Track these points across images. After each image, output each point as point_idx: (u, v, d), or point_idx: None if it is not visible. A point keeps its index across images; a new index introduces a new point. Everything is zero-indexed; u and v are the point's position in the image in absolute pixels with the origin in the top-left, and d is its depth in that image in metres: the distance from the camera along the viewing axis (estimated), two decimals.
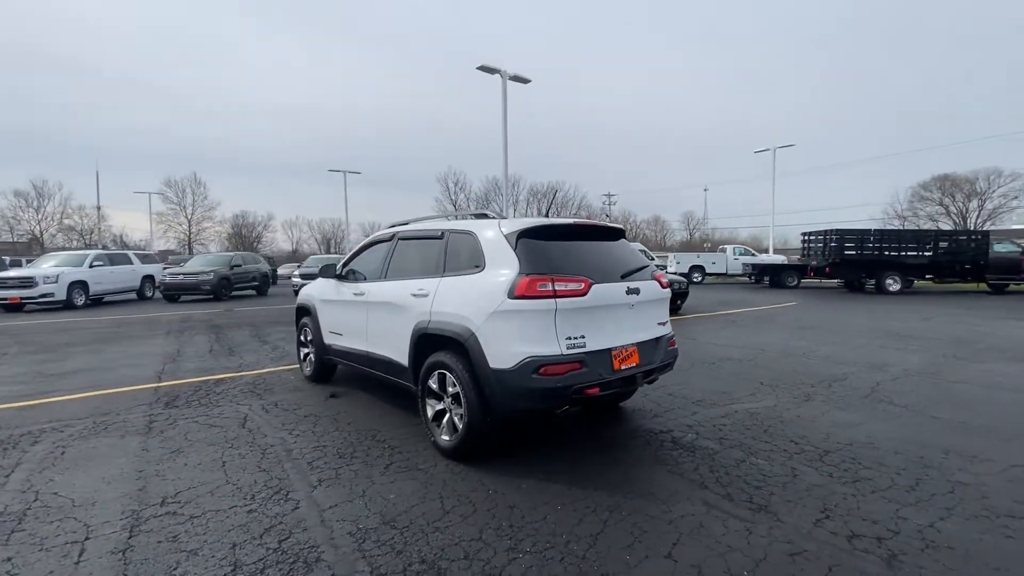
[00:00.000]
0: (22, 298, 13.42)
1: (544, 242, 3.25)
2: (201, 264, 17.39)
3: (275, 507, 2.72)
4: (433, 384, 3.46)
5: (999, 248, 16.87)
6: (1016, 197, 50.67)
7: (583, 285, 3.05)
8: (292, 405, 4.62)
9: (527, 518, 2.59)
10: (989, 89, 78.40)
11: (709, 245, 48.52)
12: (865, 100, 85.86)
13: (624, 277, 3.40)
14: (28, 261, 20.76)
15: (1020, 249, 16.77)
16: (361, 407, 4.55)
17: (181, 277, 16.19)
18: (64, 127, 66.75)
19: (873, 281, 17.63)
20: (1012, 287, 17.50)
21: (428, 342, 3.53)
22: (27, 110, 66.43)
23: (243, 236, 68.03)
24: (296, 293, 18.65)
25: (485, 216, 3.72)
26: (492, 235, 3.32)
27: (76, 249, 31.85)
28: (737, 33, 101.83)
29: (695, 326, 9.77)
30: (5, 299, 13.31)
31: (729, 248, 25.48)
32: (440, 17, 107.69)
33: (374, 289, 4.23)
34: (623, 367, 3.24)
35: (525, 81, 16.87)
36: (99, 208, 47.11)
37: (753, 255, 25.15)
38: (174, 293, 16.30)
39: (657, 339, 3.59)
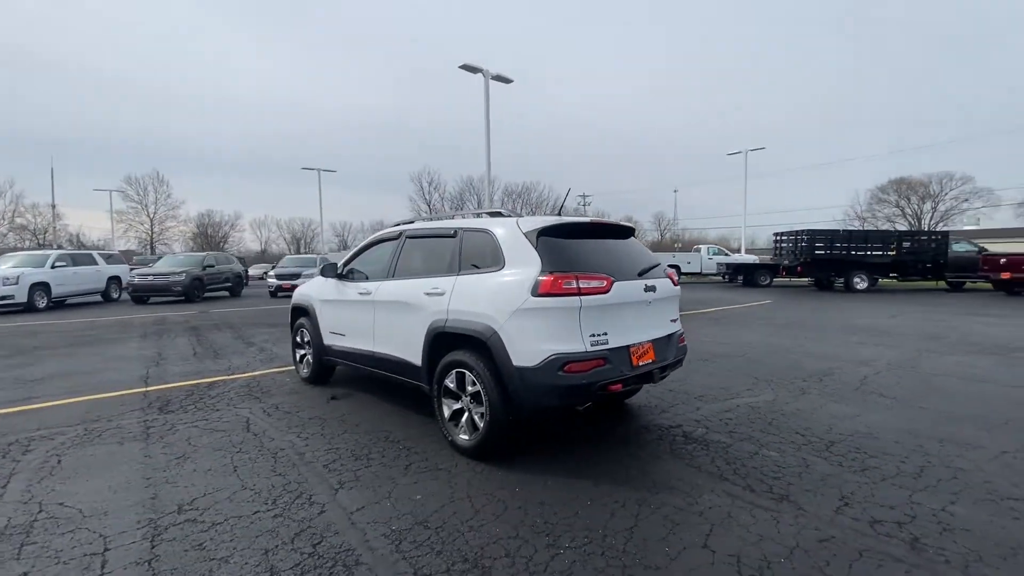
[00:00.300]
0: None
1: (564, 240, 3.27)
2: (171, 264, 16.76)
3: (300, 511, 2.66)
4: (450, 383, 3.44)
5: (957, 248, 17.82)
6: (966, 200, 53.66)
7: (606, 283, 3.09)
8: (294, 408, 4.51)
9: (559, 514, 2.61)
10: (941, 96, 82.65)
11: (680, 245, 49.62)
12: (827, 106, 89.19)
13: (641, 275, 3.46)
14: None
15: (976, 249, 17.75)
16: (366, 408, 4.48)
17: (151, 278, 15.57)
18: (15, 121, 63.15)
19: (842, 280, 18.36)
20: (968, 285, 18.51)
21: (444, 341, 3.50)
22: None
23: (209, 236, 65.90)
24: (273, 294, 18.25)
25: (500, 215, 3.72)
26: (511, 233, 3.32)
27: (30, 249, 30.21)
28: (706, 38, 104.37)
29: None
30: None
31: (703, 248, 26.12)
32: (408, 17, 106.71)
33: (382, 288, 4.17)
34: (640, 363, 3.30)
35: (507, 81, 16.88)
36: (54, 206, 44.65)
37: (727, 255, 25.83)
38: (143, 295, 15.67)
39: (670, 336, 3.66)
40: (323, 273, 4.97)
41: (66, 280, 14.74)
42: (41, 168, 54.18)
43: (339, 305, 4.75)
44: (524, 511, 2.64)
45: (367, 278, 4.59)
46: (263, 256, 68.86)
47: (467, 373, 3.30)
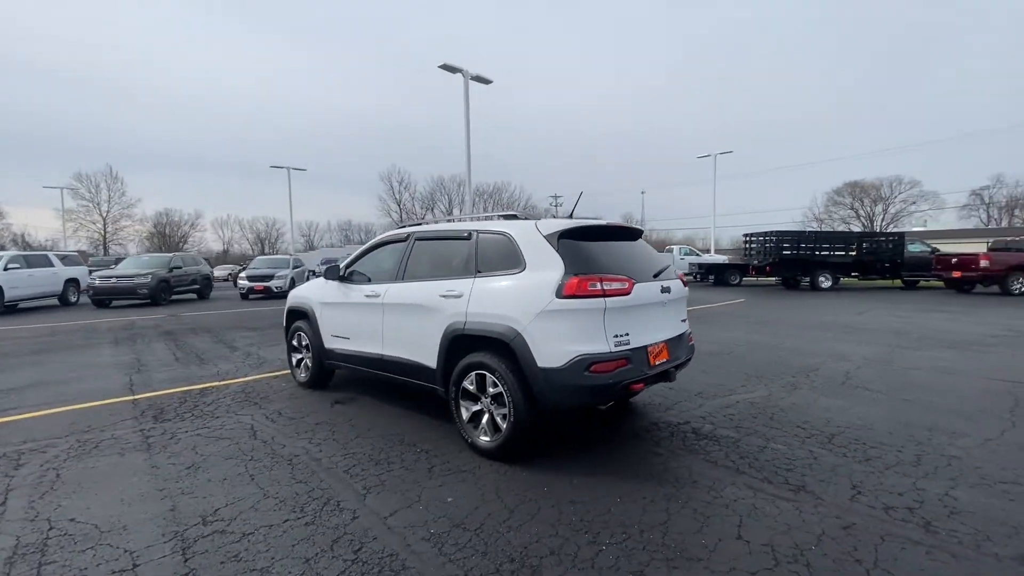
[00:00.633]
0: None
1: (584, 242, 3.33)
2: (136, 266, 15.99)
3: (331, 518, 2.62)
4: (469, 385, 3.45)
5: (912, 248, 18.87)
6: (914, 202, 56.91)
7: (627, 284, 3.16)
8: (297, 413, 4.41)
9: (592, 512, 2.66)
10: (892, 101, 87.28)
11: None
12: (784, 111, 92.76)
13: (656, 276, 3.56)
14: None
15: (930, 249, 18.85)
16: (373, 412, 4.42)
17: (114, 280, 14.82)
18: None
19: (808, 279, 19.15)
20: (922, 283, 19.63)
21: (463, 343, 3.51)
22: None
23: (167, 236, 63.24)
24: (245, 296, 17.66)
25: (515, 217, 3.75)
26: (530, 236, 3.36)
27: None
28: (674, 41, 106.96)
29: None
30: None
31: (676, 248, 26.74)
32: (373, 13, 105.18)
33: (391, 291, 4.13)
34: (656, 363, 3.39)
35: (487, 81, 16.88)
36: None
37: (698, 255, 26.55)
38: (104, 298, 14.90)
39: (680, 335, 3.77)
40: (326, 275, 4.87)
41: (20, 283, 13.90)
42: None
43: (343, 308, 4.67)
44: (558, 510, 2.68)
45: (369, 280, 4.54)
46: (226, 257, 66.55)
47: (488, 375, 3.32)
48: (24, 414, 4.47)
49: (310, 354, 5.12)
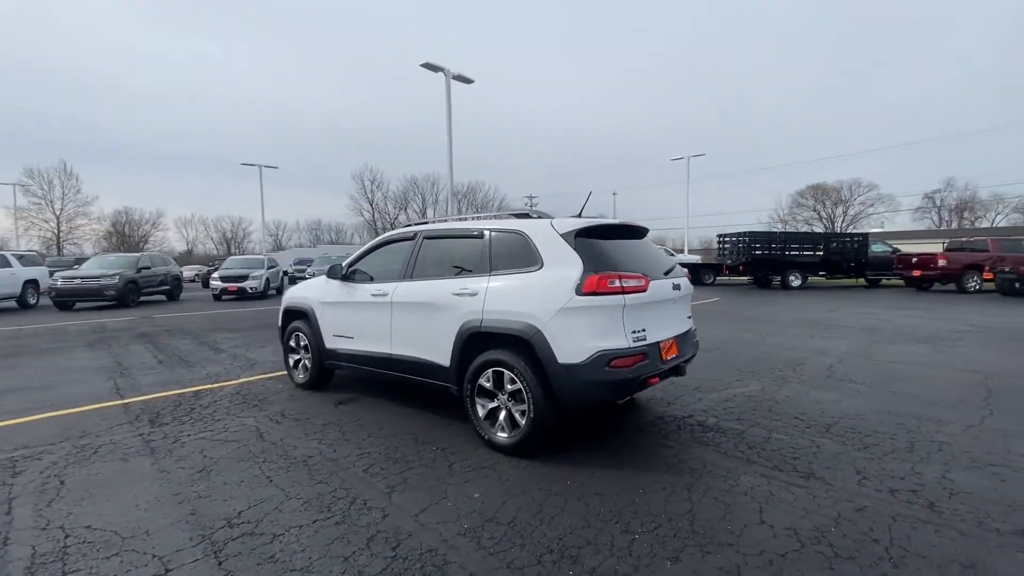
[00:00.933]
0: None
1: (599, 241, 3.41)
2: (102, 266, 15.30)
3: (361, 517, 2.61)
4: (486, 383, 3.47)
5: (875, 248, 19.80)
6: (872, 205, 59.59)
7: (644, 282, 3.25)
8: (302, 415, 4.35)
9: (619, 503, 2.73)
10: (856, 106, 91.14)
11: None
12: (749, 117, 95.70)
13: (666, 274, 3.66)
14: None
15: (891, 249, 19.81)
16: (379, 412, 4.40)
17: (78, 281, 14.15)
18: None
19: (779, 278, 19.85)
20: (884, 281, 20.61)
21: (478, 341, 3.53)
22: None
23: (126, 235, 60.71)
24: (218, 297, 17.13)
25: (528, 216, 3.79)
26: (547, 234, 3.41)
27: None
28: (647, 44, 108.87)
29: None
30: None
31: None
32: (350, 13, 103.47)
33: (400, 290, 4.12)
34: (668, 358, 3.49)
35: (469, 81, 16.85)
36: None
37: (672, 255, 27.14)
38: (68, 299, 14.22)
39: (687, 331, 3.90)
40: (329, 275, 4.80)
41: None
42: None
43: (346, 307, 4.62)
44: (585, 502, 2.75)
45: (372, 279, 4.51)
46: (190, 257, 64.33)
47: (505, 372, 3.36)
48: (10, 420, 4.26)
49: (309, 355, 5.04)
